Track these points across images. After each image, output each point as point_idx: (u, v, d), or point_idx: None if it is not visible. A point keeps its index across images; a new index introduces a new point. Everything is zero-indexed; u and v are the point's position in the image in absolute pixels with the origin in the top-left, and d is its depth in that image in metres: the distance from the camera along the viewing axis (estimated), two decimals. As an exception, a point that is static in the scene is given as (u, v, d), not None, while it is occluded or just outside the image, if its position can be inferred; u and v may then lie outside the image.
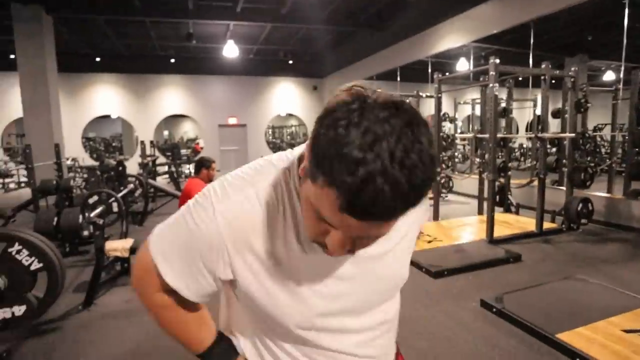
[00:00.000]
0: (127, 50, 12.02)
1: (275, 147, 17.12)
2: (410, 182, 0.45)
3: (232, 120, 14.22)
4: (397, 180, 0.45)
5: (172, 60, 12.97)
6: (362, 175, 0.44)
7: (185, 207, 0.68)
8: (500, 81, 5.01)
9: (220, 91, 14.02)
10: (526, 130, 14.62)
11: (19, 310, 1.65)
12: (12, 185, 10.46)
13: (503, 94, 6.15)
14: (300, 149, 0.69)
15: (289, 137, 19.80)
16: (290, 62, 13.55)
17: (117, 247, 3.46)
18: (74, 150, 11.76)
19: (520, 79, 9.85)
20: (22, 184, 10.11)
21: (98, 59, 12.26)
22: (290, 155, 0.70)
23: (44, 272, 1.75)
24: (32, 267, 1.67)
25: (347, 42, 11.59)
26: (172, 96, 13.61)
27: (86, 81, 12.68)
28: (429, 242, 4.51)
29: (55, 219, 3.94)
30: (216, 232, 0.63)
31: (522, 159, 12.92)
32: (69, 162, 9.40)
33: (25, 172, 8.10)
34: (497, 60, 4.48)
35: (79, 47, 11.18)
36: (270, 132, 18.88)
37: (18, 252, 1.61)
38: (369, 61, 11.13)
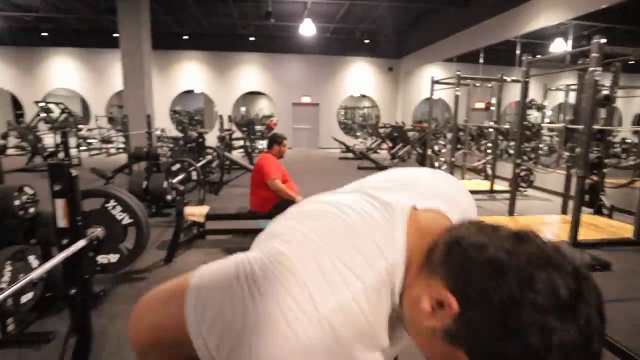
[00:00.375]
0: (211, 29, 12.70)
1: (346, 128, 17.12)
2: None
3: (306, 99, 14.47)
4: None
5: (251, 39, 13.44)
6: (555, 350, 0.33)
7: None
8: (604, 65, 4.40)
9: (295, 70, 14.28)
10: (634, 123, 12.82)
11: (114, 258, 1.91)
12: (112, 151, 11.85)
13: (606, 80, 5.44)
14: (399, 230, 0.49)
15: (360, 118, 19.65)
16: (366, 41, 13.29)
17: (194, 212, 3.78)
18: (163, 122, 12.89)
19: (632, 62, 8.61)
20: (120, 150, 11.37)
21: (186, 37, 13.13)
22: (388, 233, 0.48)
23: (133, 227, 1.99)
24: (124, 222, 1.92)
25: (427, 21, 11.03)
26: (250, 73, 14.18)
27: (174, 58, 13.71)
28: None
29: (145, 182, 4.39)
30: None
31: (624, 155, 11.41)
32: (158, 133, 10.34)
33: (123, 140, 9.12)
34: (603, 40, 3.93)
35: (170, 26, 12.06)
36: (342, 113, 18.87)
37: (113, 207, 1.85)
38: (449, 41, 10.48)
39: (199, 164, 4.60)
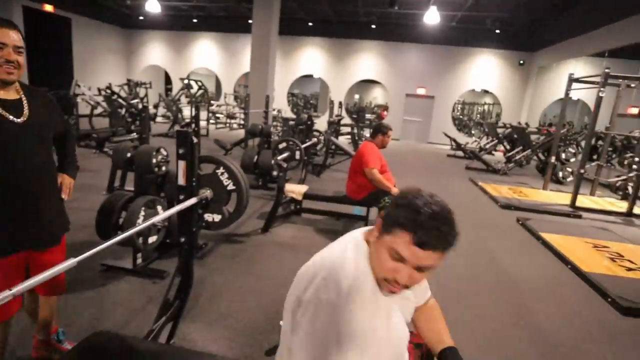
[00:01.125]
0: (335, 16, 13.03)
1: (460, 125, 16.07)
2: (453, 224, 0.85)
3: (421, 91, 13.97)
4: (447, 219, 0.84)
5: (373, 27, 13.40)
6: (425, 215, 0.82)
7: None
8: None
9: (413, 60, 13.84)
10: None
11: (217, 217, 2.20)
12: (234, 126, 13.21)
13: None
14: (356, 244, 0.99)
15: (478, 115, 18.19)
16: (497, 31, 12.15)
17: (294, 189, 4.04)
18: (280, 103, 13.83)
19: None
20: (241, 126, 12.59)
21: (310, 24, 13.72)
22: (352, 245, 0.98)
23: (235, 193, 2.25)
24: (229, 188, 2.18)
25: (572, 8, 9.57)
26: (367, 61, 14.22)
27: (298, 43, 14.46)
28: (629, 269, 3.59)
29: (256, 157, 4.83)
30: None
31: None
32: (274, 113, 11.14)
33: (243, 116, 10.08)
34: None
35: (296, 13, 12.71)
36: (459, 108, 17.72)
37: (222, 174, 2.12)
38: (599, 33, 8.92)
39: (304, 145, 4.86)
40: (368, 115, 13.03)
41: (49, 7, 11.81)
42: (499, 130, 10.66)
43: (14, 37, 1.36)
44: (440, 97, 13.88)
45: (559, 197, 6.24)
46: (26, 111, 1.44)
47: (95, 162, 6.00)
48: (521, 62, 13.16)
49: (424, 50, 13.67)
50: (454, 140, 10.87)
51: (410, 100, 14.16)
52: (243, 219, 4.12)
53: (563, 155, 7.85)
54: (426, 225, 0.80)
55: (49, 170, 1.57)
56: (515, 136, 9.46)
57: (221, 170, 2.13)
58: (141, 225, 1.55)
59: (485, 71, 13.54)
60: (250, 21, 9.95)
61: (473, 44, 13.25)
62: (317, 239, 3.74)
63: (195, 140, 1.80)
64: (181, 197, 1.78)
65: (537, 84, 12.91)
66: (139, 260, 2.77)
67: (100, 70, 14.37)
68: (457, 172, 8.40)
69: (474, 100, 18.51)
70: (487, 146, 10.75)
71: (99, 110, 8.50)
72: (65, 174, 1.72)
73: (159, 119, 12.28)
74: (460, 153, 10.67)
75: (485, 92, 15.39)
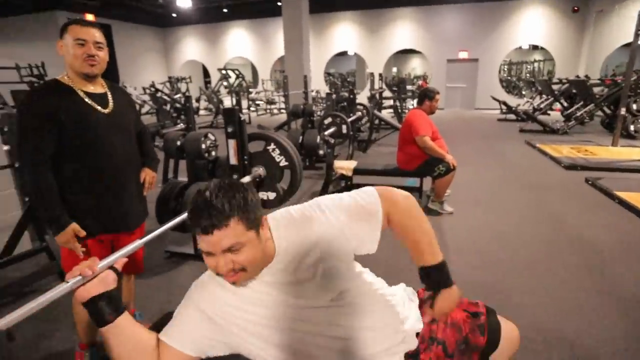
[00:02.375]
0: (366, -14, 12.52)
1: (509, 86, 15.06)
2: (210, 200, 0.82)
3: (463, 55, 13.19)
4: (205, 196, 0.83)
5: (407, -8, 12.75)
6: (194, 203, 0.84)
7: None
8: None
9: (452, 22, 13.03)
10: None
11: (272, 195, 2.16)
12: (275, 111, 13.28)
13: None
14: None
15: (528, 74, 16.92)
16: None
17: (343, 166, 3.94)
18: (317, 84, 13.66)
19: None
20: (282, 110, 12.62)
21: (341, -2, 13.31)
22: None
23: (288, 170, 2.19)
24: (281, 164, 2.13)
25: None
26: (402, 30, 13.60)
27: (329, 20, 14.11)
28: None
29: (300, 137, 4.76)
30: None
31: None
32: (313, 94, 11.02)
33: (284, 100, 10.07)
34: None
35: (326, -12, 12.36)
36: (505, 69, 16.58)
37: (273, 150, 2.06)
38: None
39: (349, 119, 4.72)
40: (409, 87, 12.54)
41: (90, 17, 12.36)
42: (555, 87, 9.81)
43: (95, 34, 1.45)
44: (484, 59, 13.03)
45: (633, 153, 5.65)
46: (111, 104, 1.55)
47: (148, 158, 6.26)
48: (576, 8, 11.95)
49: (463, 10, 12.81)
50: (504, 103, 10.18)
51: (452, 66, 13.43)
52: (294, 199, 4.09)
53: (634, 107, 7.07)
54: (194, 212, 0.83)
55: (133, 158, 1.66)
56: (575, 91, 8.66)
57: (272, 146, 2.08)
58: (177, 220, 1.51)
59: (533, 25, 12.46)
60: (279, 3, 9.81)
61: (518, -4, 12.22)
62: (371, 214, 3.64)
63: (242, 117, 1.74)
64: (234, 176, 1.74)
65: (595, 32, 11.69)
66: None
67: (142, 70, 14.93)
68: (511, 135, 7.87)
69: (522, 58, 17.22)
70: (542, 106, 9.96)
71: (146, 108, 8.83)
72: (148, 168, 1.78)
73: (201, 111, 12.60)
74: (512, 116, 10.00)
75: (534, 48, 14.25)
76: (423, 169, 3.57)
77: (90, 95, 1.49)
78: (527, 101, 11.22)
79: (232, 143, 1.69)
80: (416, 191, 3.92)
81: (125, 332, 0.88)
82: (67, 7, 11.42)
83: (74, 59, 1.43)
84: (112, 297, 0.88)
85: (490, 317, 1.09)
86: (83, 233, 1.46)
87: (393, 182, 3.98)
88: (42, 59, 9.15)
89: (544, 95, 10.41)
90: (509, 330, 1.10)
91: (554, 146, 6.31)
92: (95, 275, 0.88)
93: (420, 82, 14.90)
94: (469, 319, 1.09)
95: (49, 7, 11.63)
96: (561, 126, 7.93)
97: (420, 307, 1.14)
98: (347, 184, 4.16)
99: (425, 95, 3.64)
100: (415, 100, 3.96)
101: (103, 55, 1.49)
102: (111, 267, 0.93)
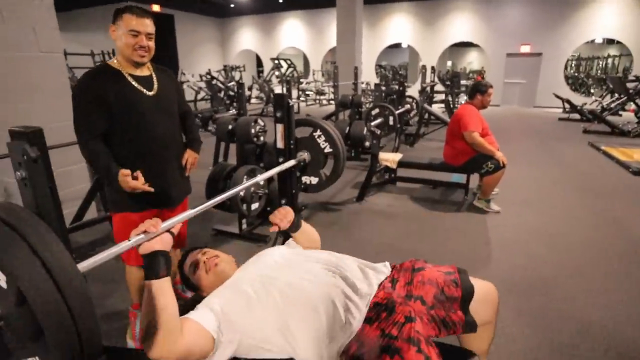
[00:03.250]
0: (424, -24, 12.12)
1: (575, 84, 13.97)
2: None
3: (525, 49, 12.41)
4: None
5: (467, -19, 12.17)
6: None
7: None
8: None
9: (514, 14, 12.27)
10: None
11: (314, 180, 2.23)
12: (324, 102, 13.36)
13: None
14: None
15: (599, 71, 15.56)
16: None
17: (388, 158, 3.93)
18: (368, 76, 13.51)
19: None
20: (331, 101, 12.67)
21: (397, -12, 12.99)
22: None
23: (332, 156, 2.24)
24: (326, 150, 2.18)
25: None
26: (460, 22, 13.05)
27: (383, 12, 13.85)
28: None
29: (347, 128, 4.78)
30: None
31: None
32: (363, 86, 10.94)
33: (333, 91, 10.10)
34: None
35: (383, -22, 12.12)
36: (572, 65, 15.38)
37: (319, 136, 2.12)
38: None
39: (397, 111, 4.67)
40: (463, 82, 12.04)
41: (156, 7, 13.09)
42: (630, 86, 8.97)
43: (148, 25, 1.56)
44: (549, 54, 12.17)
45: None
46: (156, 86, 1.65)
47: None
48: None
49: (526, 1, 12.01)
50: (568, 102, 9.48)
51: (511, 61, 12.69)
52: (338, 189, 4.15)
53: None
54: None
55: (175, 138, 1.76)
56: (652, 90, 7.87)
57: (318, 132, 2.13)
58: (240, 187, 1.59)
59: (608, 17, 11.41)
60: (334, -7, 9.79)
61: (592, -15, 11.23)
62: (414, 208, 3.60)
63: (291, 102, 1.81)
64: (280, 159, 1.82)
65: (682, 25, 10.50)
66: (244, 226, 2.97)
67: (200, 58, 15.59)
68: (573, 136, 7.35)
69: (593, 53, 15.88)
70: (612, 105, 9.16)
71: (201, 95, 9.26)
72: (190, 149, 1.87)
73: (253, 100, 12.96)
74: (575, 116, 9.30)
75: (609, 42, 13.07)
76: (470, 165, 3.47)
77: (136, 78, 1.59)
78: (596, 100, 10.36)
79: (279, 127, 1.77)
80: (462, 188, 3.83)
81: (169, 292, 0.97)
82: (133, -2, 12.14)
83: (125, 47, 1.53)
84: (168, 257, 0.99)
85: (461, 274, 1.21)
86: (128, 172, 1.52)
87: (438, 177, 3.95)
88: (114, 46, 9.83)
89: (615, 94, 9.57)
90: (483, 284, 1.22)
91: (623, 149, 5.82)
92: (157, 234, 1.01)
93: (476, 77, 14.26)
94: (443, 276, 1.19)
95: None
96: (633, 128, 7.27)
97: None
98: (390, 176, 4.14)
99: (477, 89, 3.51)
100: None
101: (152, 45, 1.59)
102: (169, 231, 1.05)
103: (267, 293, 1.08)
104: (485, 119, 3.46)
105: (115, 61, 1.60)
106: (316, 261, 1.22)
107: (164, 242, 1.02)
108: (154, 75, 1.67)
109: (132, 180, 1.52)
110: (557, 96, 10.04)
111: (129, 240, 0.97)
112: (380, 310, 1.05)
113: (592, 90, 13.66)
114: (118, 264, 2.54)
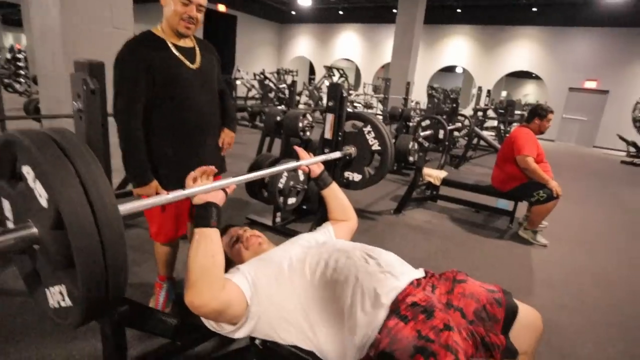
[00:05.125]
0: (488, 0, 11.84)
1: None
2: None
3: (590, 85, 11.76)
4: None
5: (534, 10, 11.74)
6: None
7: None
8: None
9: (582, 47, 11.67)
10: None
11: (357, 177, 2.16)
12: (369, 116, 13.31)
13: None
14: None
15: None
16: None
17: (432, 173, 3.78)
18: (419, 95, 13.33)
19: None
20: (378, 115, 12.59)
21: (459, 10, 12.79)
22: None
23: (379, 155, 2.17)
24: (374, 148, 2.11)
25: None
26: (521, 50, 12.60)
27: (442, 32, 13.67)
28: None
29: (394, 140, 4.70)
30: None
31: None
32: (412, 104, 10.78)
33: (381, 107, 10.03)
34: None
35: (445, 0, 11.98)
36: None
37: (368, 132, 2.06)
38: None
39: (449, 128, 4.51)
40: (518, 112, 11.56)
41: (221, 7, 13.70)
42: None
43: None
44: (616, 92, 11.44)
45: None
46: (198, 59, 1.60)
47: (246, 137, 6.69)
48: None
49: (597, 35, 11.40)
50: (634, 145, 8.84)
51: (573, 96, 12.06)
52: (376, 198, 4.05)
53: None
54: None
55: (214, 112, 1.72)
56: None
57: (369, 128, 2.07)
58: (279, 168, 1.51)
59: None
60: (395, 10, 9.79)
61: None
62: (453, 228, 3.43)
63: (345, 94, 1.76)
64: (326, 150, 1.77)
65: None
66: (278, 220, 2.94)
67: (256, 60, 16.09)
68: (636, 181, 6.80)
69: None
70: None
71: (252, 93, 9.49)
72: (227, 128, 1.84)
73: (301, 105, 13.12)
74: (640, 161, 8.65)
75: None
76: (520, 192, 3.26)
77: (180, 49, 1.53)
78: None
79: (329, 117, 1.73)
80: (507, 215, 3.60)
81: (217, 241, 1.00)
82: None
83: (174, 14, 1.46)
84: (219, 210, 1.02)
85: (506, 294, 1.12)
86: (164, 192, 1.47)
87: (483, 201, 3.74)
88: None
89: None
90: (528, 309, 1.12)
91: (692, 201, 5.30)
92: (213, 189, 1.04)
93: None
94: (486, 293, 1.10)
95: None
96: None
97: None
98: (432, 193, 3.99)
99: (536, 113, 3.32)
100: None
101: (201, 17, 1.52)
102: (223, 190, 1.09)
103: (297, 271, 1.08)
104: (540, 145, 3.26)
105: (159, 29, 1.54)
106: (351, 247, 1.17)
107: (217, 197, 1.05)
108: (197, 48, 1.61)
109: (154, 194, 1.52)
110: (622, 138, 9.38)
111: (185, 191, 0.97)
112: (419, 311, 0.97)
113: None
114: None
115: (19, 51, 11.98)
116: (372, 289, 1.01)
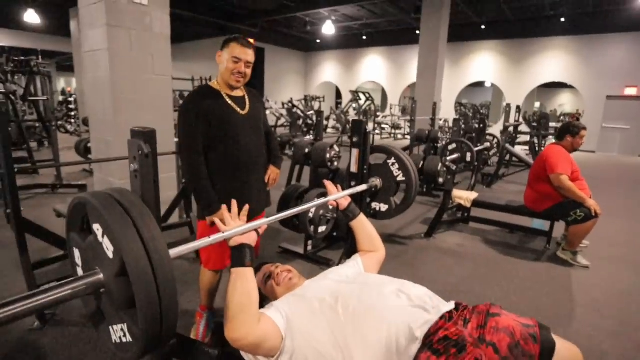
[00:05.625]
0: (513, 14, 11.76)
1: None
2: None
3: (630, 91, 11.25)
4: None
5: (562, 20, 11.52)
6: None
7: None
8: None
9: (618, 54, 11.26)
10: None
11: (384, 207, 2.23)
12: (399, 136, 13.33)
13: None
14: None
15: None
16: None
17: (462, 195, 3.77)
18: (447, 113, 13.24)
19: None
20: (406, 136, 12.60)
21: (483, 27, 12.74)
22: None
23: (404, 185, 2.23)
24: (398, 179, 2.18)
25: None
26: (552, 61, 12.31)
27: (468, 49, 13.63)
28: None
29: (422, 162, 4.71)
30: None
31: None
32: (440, 123, 10.74)
33: (409, 126, 10.06)
34: None
35: (467, 17, 11.99)
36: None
37: (392, 164, 2.13)
38: None
39: (476, 149, 4.50)
40: (552, 124, 11.21)
41: (251, 41, 14.40)
42: None
43: (249, 55, 1.76)
44: (660, 98, 10.88)
45: None
46: (248, 106, 1.85)
47: (277, 165, 6.92)
48: None
49: (633, 40, 10.98)
50: (683, 152, 8.32)
51: (612, 104, 11.56)
52: (406, 222, 4.06)
53: None
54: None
55: (261, 152, 1.94)
56: None
57: (392, 160, 2.15)
58: (310, 204, 1.63)
59: None
60: (417, 32, 9.92)
61: None
62: (487, 250, 3.38)
63: (368, 129, 1.86)
64: (352, 183, 1.86)
65: None
66: (309, 247, 3.03)
67: (284, 88, 16.64)
68: (688, 192, 6.38)
69: None
70: None
71: (281, 121, 9.81)
72: (273, 166, 2.05)
73: (329, 130, 13.37)
74: (692, 169, 8.11)
75: None
76: (556, 212, 3.18)
77: (232, 98, 1.80)
78: None
79: (354, 152, 1.83)
80: (544, 235, 3.50)
81: (252, 280, 1.09)
82: (233, 33, 13.56)
83: (226, 71, 1.74)
84: (253, 250, 1.12)
85: (542, 329, 1.10)
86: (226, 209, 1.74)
87: (517, 221, 3.67)
88: (211, 73, 11.06)
89: None
90: (568, 346, 1.09)
91: None
92: (246, 231, 1.14)
93: (569, 118, 13.19)
94: (521, 327, 1.08)
95: (219, 34, 14.00)
96: None
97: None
98: (463, 215, 3.95)
99: (567, 131, 3.26)
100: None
101: (249, 72, 1.79)
102: (255, 231, 1.20)
103: (330, 307, 1.12)
104: (575, 162, 3.19)
105: (215, 82, 1.83)
106: (381, 282, 1.23)
107: (250, 238, 1.14)
108: (246, 97, 1.87)
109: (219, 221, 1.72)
110: (668, 146, 8.86)
111: (222, 233, 1.08)
112: (450, 345, 1.01)
113: None
114: (192, 266, 2.74)
115: (70, 94, 13.06)
116: (405, 324, 1.06)
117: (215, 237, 1.07)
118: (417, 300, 1.16)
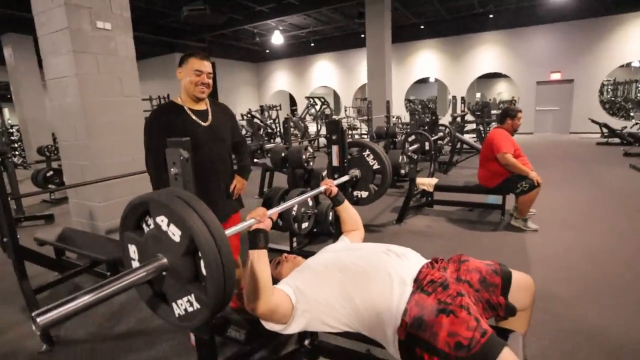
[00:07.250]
0: (447, 13, 12.67)
1: (612, 108, 13.75)
2: None
3: (555, 76, 12.48)
4: None
5: (491, 16, 12.58)
6: None
7: None
8: None
9: (541, 43, 12.47)
10: None
11: (364, 194, 2.51)
12: (356, 136, 13.80)
13: None
14: None
15: (639, 94, 15.22)
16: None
17: (424, 182, 4.16)
18: (398, 110, 13.94)
19: None
20: (364, 135, 13.08)
21: (422, 27, 13.61)
22: None
23: (380, 173, 2.53)
24: (374, 167, 2.47)
25: None
26: (487, 54, 13.38)
27: (411, 48, 14.45)
28: None
29: (383, 156, 5.09)
30: None
31: None
32: (393, 119, 11.31)
33: (365, 127, 10.51)
34: None
35: (407, 19, 12.78)
36: (608, 89, 15.17)
37: (367, 155, 2.42)
38: None
39: (432, 138, 4.93)
40: (494, 111, 12.16)
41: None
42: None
43: (207, 66, 1.90)
44: (581, 80, 12.16)
45: None
46: (210, 117, 1.98)
47: (245, 175, 7.05)
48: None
49: (553, 30, 12.22)
50: (605, 126, 9.41)
51: (542, 89, 12.76)
52: (377, 212, 4.39)
53: None
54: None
55: (224, 160, 2.05)
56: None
57: (367, 152, 2.44)
58: (295, 200, 1.89)
59: (641, 40, 11.33)
60: (363, 36, 10.45)
61: (622, 9, 11.26)
62: (452, 228, 3.77)
63: (344, 127, 2.13)
64: (335, 175, 2.12)
65: None
66: (294, 244, 3.25)
67: (239, 100, 16.67)
68: (613, 160, 7.27)
69: (630, 77, 15.62)
70: (653, 128, 9.00)
71: (243, 132, 9.92)
72: (239, 176, 2.16)
73: (288, 137, 13.57)
74: (615, 140, 9.19)
75: (644, 66, 12.90)
76: (505, 186, 3.64)
77: (195, 112, 1.92)
78: (636, 123, 10.18)
79: (334, 148, 2.08)
80: (498, 208, 3.96)
81: (265, 260, 1.28)
82: (182, 50, 13.44)
83: (190, 84, 1.86)
84: (267, 235, 1.31)
85: (501, 266, 1.42)
86: None
87: (474, 199, 4.11)
88: (166, 91, 10.94)
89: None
90: (521, 274, 1.43)
91: (665, 170, 5.74)
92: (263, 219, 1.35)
93: (508, 105, 14.31)
94: (485, 266, 1.42)
95: (168, 52, 13.85)
96: (675, 150, 7.12)
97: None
98: (427, 200, 4.34)
99: (507, 114, 3.74)
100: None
101: (211, 82, 1.93)
102: (269, 217, 1.40)
103: (334, 269, 1.37)
104: (516, 142, 3.66)
105: (178, 98, 1.95)
106: (372, 246, 1.51)
107: (265, 224, 1.33)
108: (209, 109, 1.99)
109: None
110: (594, 121, 9.97)
111: (246, 221, 1.28)
112: (437, 286, 1.29)
113: (632, 114, 13.38)
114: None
115: (11, 126, 12.31)
116: (397, 273, 1.33)
117: (244, 224, 1.27)
118: (403, 256, 1.44)
